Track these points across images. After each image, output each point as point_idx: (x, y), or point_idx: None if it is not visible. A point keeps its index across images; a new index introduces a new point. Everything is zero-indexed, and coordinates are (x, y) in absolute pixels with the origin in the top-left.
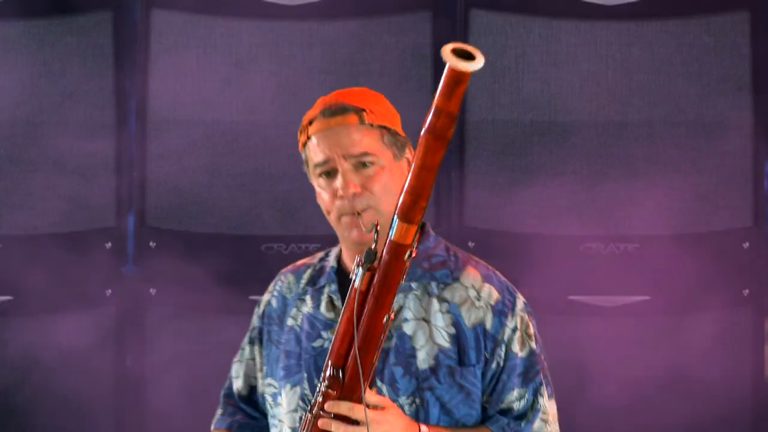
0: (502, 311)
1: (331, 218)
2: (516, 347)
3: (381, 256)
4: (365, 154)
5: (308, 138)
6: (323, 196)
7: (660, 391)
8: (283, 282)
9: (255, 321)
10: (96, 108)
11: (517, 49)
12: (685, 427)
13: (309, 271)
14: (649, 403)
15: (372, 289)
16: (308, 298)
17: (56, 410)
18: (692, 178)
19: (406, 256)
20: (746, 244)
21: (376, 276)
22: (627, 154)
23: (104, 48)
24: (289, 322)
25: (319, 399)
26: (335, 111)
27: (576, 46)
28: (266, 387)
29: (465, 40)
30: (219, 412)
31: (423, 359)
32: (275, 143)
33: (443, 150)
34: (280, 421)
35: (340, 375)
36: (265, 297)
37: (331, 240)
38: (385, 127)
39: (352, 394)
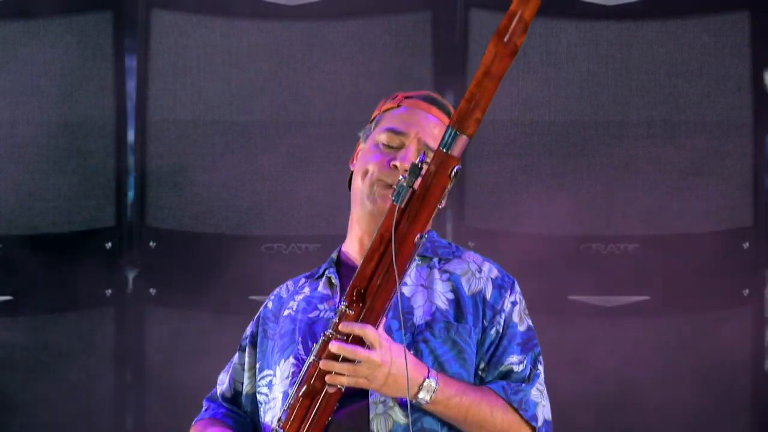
0: (502, 285)
1: (365, 180)
2: (516, 318)
3: (410, 194)
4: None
5: (398, 106)
6: (371, 156)
7: (660, 391)
8: (281, 288)
9: (247, 330)
10: (96, 108)
11: None
12: (685, 427)
13: (308, 274)
14: (649, 403)
15: (411, 205)
16: (306, 288)
17: (56, 410)
18: (692, 178)
19: (452, 173)
20: (746, 244)
21: (418, 189)
22: (627, 153)
23: (104, 48)
24: (285, 312)
25: (335, 320)
26: (436, 102)
27: (576, 45)
28: (261, 380)
29: (465, 40)
30: (202, 411)
31: (419, 316)
32: (275, 143)
33: (509, 59)
34: (273, 399)
35: (362, 296)
36: (261, 308)
37: (331, 240)
38: None
39: (370, 316)
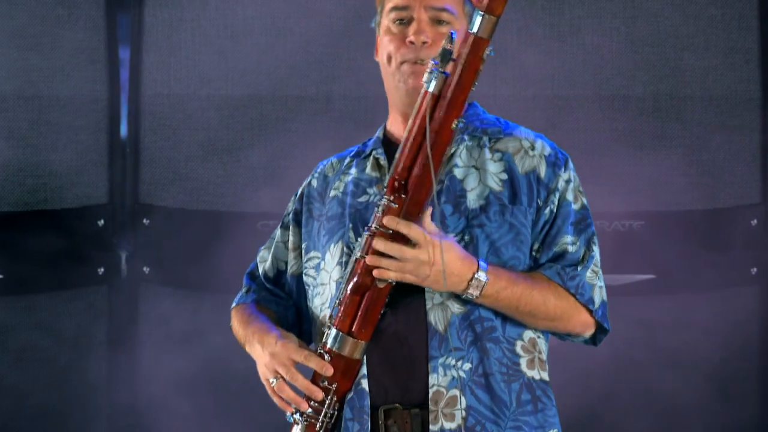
0: (555, 163)
1: (391, 66)
2: (570, 196)
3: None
4: (444, 9)
5: None
6: (388, 42)
7: (666, 370)
8: (324, 165)
9: (290, 206)
10: (88, 82)
11: (520, 22)
12: (692, 407)
13: (354, 151)
14: (655, 382)
15: (445, 91)
16: (353, 168)
17: (49, 388)
18: (699, 153)
19: (484, 53)
20: (754, 221)
21: (452, 74)
22: (632, 128)
23: (96, 21)
24: (332, 193)
25: (379, 214)
26: None
27: (580, 18)
28: (308, 262)
29: None
30: (243, 290)
31: (473, 199)
32: (271, 117)
33: None
34: (322, 284)
35: (404, 187)
36: (304, 183)
37: None
38: None
39: (414, 207)
